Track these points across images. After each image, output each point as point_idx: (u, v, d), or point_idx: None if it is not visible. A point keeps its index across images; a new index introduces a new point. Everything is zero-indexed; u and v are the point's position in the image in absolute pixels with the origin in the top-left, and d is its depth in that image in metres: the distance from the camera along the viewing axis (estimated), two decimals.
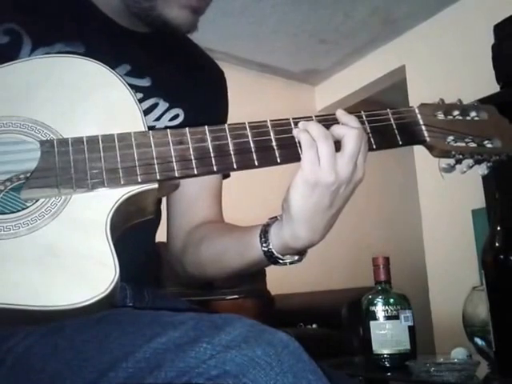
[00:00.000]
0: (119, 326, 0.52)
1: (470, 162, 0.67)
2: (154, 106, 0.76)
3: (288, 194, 0.60)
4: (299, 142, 0.59)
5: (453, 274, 2.43)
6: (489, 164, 0.68)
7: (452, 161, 0.67)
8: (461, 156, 0.66)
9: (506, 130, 0.69)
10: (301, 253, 0.65)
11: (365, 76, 3.12)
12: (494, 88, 1.94)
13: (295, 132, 0.60)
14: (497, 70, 1.93)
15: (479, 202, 2.08)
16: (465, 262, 2.31)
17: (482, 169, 0.68)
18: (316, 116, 0.63)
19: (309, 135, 0.59)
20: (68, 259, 0.52)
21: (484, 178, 1.88)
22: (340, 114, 0.63)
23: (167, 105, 0.77)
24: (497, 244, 0.98)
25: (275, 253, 0.64)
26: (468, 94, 1.91)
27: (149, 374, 0.46)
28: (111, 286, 0.50)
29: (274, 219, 0.65)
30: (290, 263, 0.65)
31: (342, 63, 3.20)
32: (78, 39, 0.71)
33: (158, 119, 0.76)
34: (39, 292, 0.49)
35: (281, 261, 0.64)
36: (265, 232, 0.64)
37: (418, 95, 2.81)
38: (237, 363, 0.44)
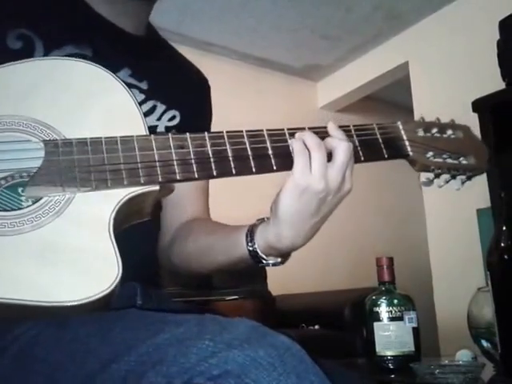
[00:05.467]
0: (124, 322, 0.53)
1: (447, 176, 0.72)
2: (153, 108, 0.79)
3: (278, 196, 0.63)
4: (293, 150, 0.63)
5: (457, 275, 2.42)
6: (463, 179, 0.73)
7: (431, 175, 0.71)
8: (439, 171, 0.71)
9: (478, 149, 0.74)
10: (284, 256, 0.67)
11: (367, 72, 3.10)
12: (499, 85, 1.92)
13: (290, 141, 0.63)
14: (502, 67, 1.91)
15: (484, 201, 2.06)
16: (470, 262, 2.30)
17: (458, 184, 0.73)
18: (310, 128, 0.66)
19: (302, 143, 0.63)
20: (71, 256, 0.53)
21: (489, 177, 1.87)
22: (331, 127, 0.66)
23: (164, 107, 0.80)
24: (502, 244, 0.98)
25: (259, 252, 0.66)
26: (472, 90, 1.90)
27: (151, 368, 0.46)
28: (114, 284, 0.51)
29: (261, 220, 0.68)
30: (273, 265, 0.68)
31: (345, 59, 3.18)
32: (87, 42, 0.74)
33: (159, 119, 0.80)
34: (42, 288, 0.50)
35: (264, 261, 0.67)
36: (251, 232, 0.67)
37: (421, 92, 2.79)
38: (239, 363, 0.44)
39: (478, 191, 2.13)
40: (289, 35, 2.89)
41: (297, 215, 0.62)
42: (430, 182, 0.71)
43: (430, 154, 0.70)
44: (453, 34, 2.65)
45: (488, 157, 0.73)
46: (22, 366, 0.53)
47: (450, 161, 0.71)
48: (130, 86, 0.64)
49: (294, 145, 0.62)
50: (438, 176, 0.71)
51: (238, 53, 3.00)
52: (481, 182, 2.00)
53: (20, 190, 0.56)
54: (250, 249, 0.66)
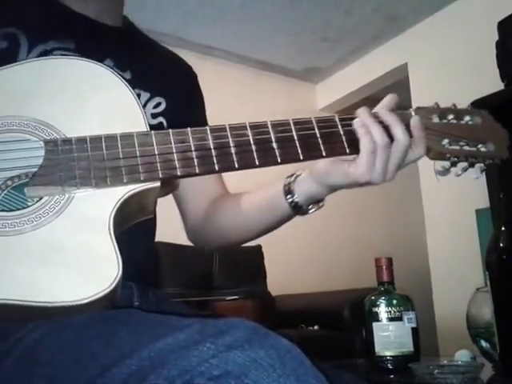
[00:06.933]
0: (127, 325, 0.52)
1: (465, 165, 0.69)
2: (137, 97, 0.79)
3: (329, 178, 0.67)
4: (362, 145, 0.64)
5: (456, 275, 2.42)
6: (483, 167, 0.70)
7: (447, 163, 0.68)
8: (456, 159, 0.68)
9: (498, 135, 0.70)
10: (320, 200, 0.72)
11: (367, 74, 3.11)
12: (497, 86, 1.92)
13: (357, 128, 0.65)
14: (501, 68, 1.91)
15: (483, 201, 2.06)
16: (469, 262, 2.30)
17: (476, 172, 0.70)
18: (315, 118, 0.64)
19: (371, 139, 0.64)
20: (72, 256, 0.52)
21: (488, 178, 1.88)
22: (384, 113, 0.70)
23: (148, 95, 0.81)
24: (501, 244, 0.98)
25: (304, 206, 0.71)
26: (471, 92, 1.90)
27: (152, 371, 0.46)
28: (115, 283, 0.51)
29: (294, 177, 0.72)
30: (316, 210, 0.73)
31: (344, 61, 3.19)
32: (69, 36, 0.74)
33: (143, 107, 0.80)
34: (43, 288, 0.50)
35: (310, 211, 0.73)
36: (288, 190, 0.71)
37: (420, 93, 2.79)
38: (239, 363, 0.44)
39: (477, 192, 2.14)
40: (289, 38, 2.90)
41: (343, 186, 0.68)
42: (446, 171, 0.68)
43: (446, 141, 0.68)
44: (451, 36, 2.65)
45: (508, 143, 0.70)
46: (24, 369, 0.53)
47: (467, 148, 0.68)
48: None
49: (363, 139, 0.64)
50: (454, 164, 0.68)
51: (239, 56, 3.01)
52: (480, 182, 2.01)
53: (25, 190, 0.55)
54: (293, 204, 0.71)
